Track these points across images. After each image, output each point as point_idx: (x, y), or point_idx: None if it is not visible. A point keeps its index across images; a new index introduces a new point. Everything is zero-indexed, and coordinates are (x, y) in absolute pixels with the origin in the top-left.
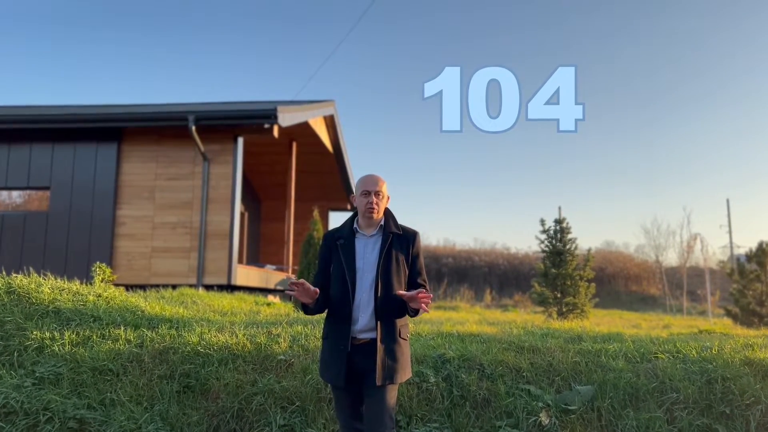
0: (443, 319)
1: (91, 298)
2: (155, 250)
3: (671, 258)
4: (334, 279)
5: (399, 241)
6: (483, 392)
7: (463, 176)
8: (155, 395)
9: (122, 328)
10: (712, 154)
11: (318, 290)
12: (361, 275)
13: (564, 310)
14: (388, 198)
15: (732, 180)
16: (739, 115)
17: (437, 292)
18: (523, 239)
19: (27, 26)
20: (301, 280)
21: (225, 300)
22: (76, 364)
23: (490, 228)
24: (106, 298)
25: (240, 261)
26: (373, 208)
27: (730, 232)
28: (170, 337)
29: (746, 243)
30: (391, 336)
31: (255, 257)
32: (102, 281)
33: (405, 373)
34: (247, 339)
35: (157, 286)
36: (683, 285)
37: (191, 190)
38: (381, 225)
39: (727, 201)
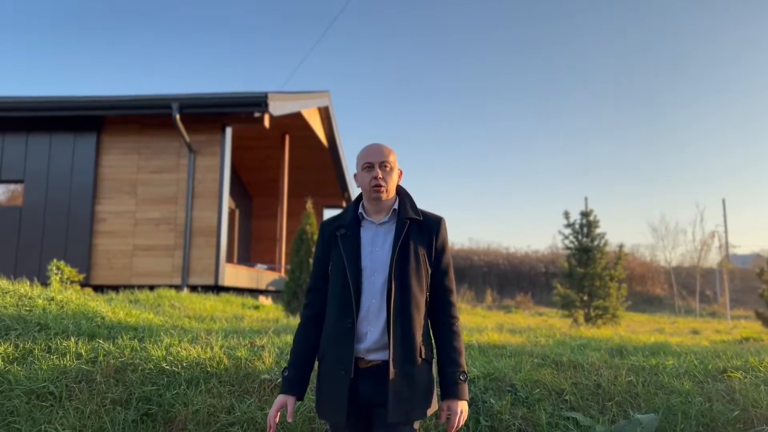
0: None
1: (40, 302)
2: (137, 248)
3: (676, 257)
4: (333, 282)
5: (419, 230)
6: (518, 422)
7: (458, 173)
8: (105, 426)
9: (73, 339)
10: (712, 155)
11: (294, 402)
12: (369, 276)
13: (593, 314)
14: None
15: (729, 180)
16: (739, 118)
17: None
18: (521, 238)
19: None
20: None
21: (208, 302)
22: (8, 386)
23: (486, 227)
24: (60, 301)
25: (230, 260)
26: (380, 185)
27: (726, 232)
28: (131, 350)
29: (740, 243)
30: (408, 356)
31: (246, 256)
32: (61, 282)
33: (429, 406)
34: (224, 353)
35: (140, 286)
36: (695, 285)
37: (176, 183)
38: (394, 209)
39: (723, 201)
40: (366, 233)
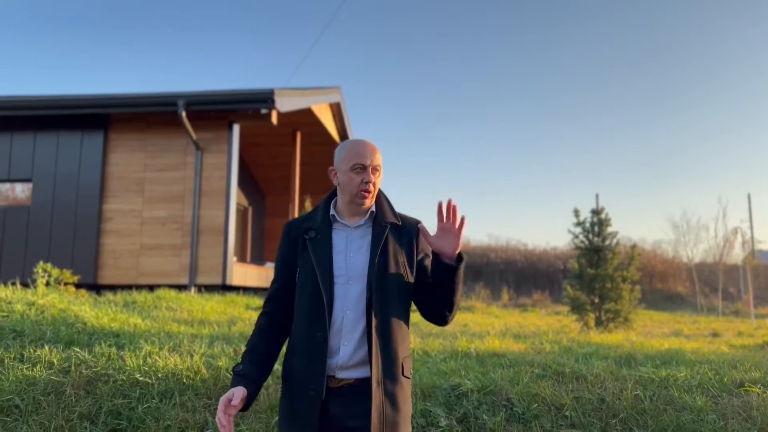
0: (458, 327)
1: (18, 307)
2: (144, 248)
3: (699, 253)
4: (301, 291)
5: (398, 234)
6: None
7: (476, 167)
8: None
9: (47, 348)
10: (736, 149)
11: (244, 391)
12: (344, 284)
13: (604, 318)
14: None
15: (756, 173)
16: (763, 111)
17: None
18: (540, 235)
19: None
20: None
21: (209, 304)
22: None
23: (505, 223)
24: (41, 306)
25: (243, 259)
26: (370, 192)
27: (751, 227)
28: (106, 359)
29: (767, 238)
30: (390, 373)
31: (260, 255)
32: (48, 284)
33: (407, 427)
34: (203, 362)
35: (147, 286)
36: (718, 283)
37: (182, 181)
38: (372, 211)
39: (749, 196)
40: (339, 237)
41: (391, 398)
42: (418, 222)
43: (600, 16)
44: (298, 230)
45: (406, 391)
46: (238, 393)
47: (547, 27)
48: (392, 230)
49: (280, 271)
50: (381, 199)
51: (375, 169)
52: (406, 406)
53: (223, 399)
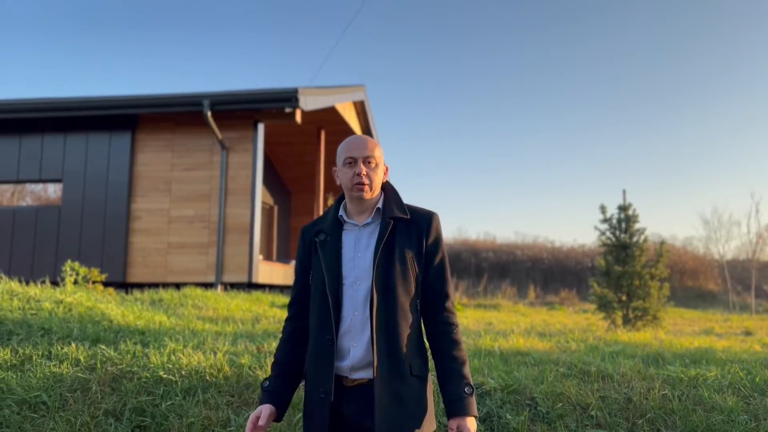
0: (482, 326)
1: (47, 305)
2: (171, 246)
3: (731, 250)
4: (313, 293)
5: (407, 229)
6: None
7: (502, 165)
8: None
9: (74, 345)
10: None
11: (272, 409)
12: (352, 285)
13: (631, 316)
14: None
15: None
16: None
17: (477, 288)
18: (567, 232)
19: (34, 25)
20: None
21: (235, 302)
22: (0, 395)
23: (532, 220)
24: (68, 304)
25: (269, 257)
26: (363, 183)
27: None
28: (131, 356)
29: None
30: (396, 373)
31: (286, 253)
32: (76, 282)
33: (423, 426)
34: (226, 359)
35: (175, 284)
36: (750, 280)
37: (209, 181)
38: (378, 208)
39: None
40: (348, 237)
41: (398, 398)
42: (431, 214)
43: (625, 6)
44: (310, 234)
45: (417, 391)
46: (266, 412)
47: (571, 20)
48: (400, 225)
49: (298, 276)
50: (389, 193)
51: (367, 161)
52: (419, 405)
53: (252, 417)
